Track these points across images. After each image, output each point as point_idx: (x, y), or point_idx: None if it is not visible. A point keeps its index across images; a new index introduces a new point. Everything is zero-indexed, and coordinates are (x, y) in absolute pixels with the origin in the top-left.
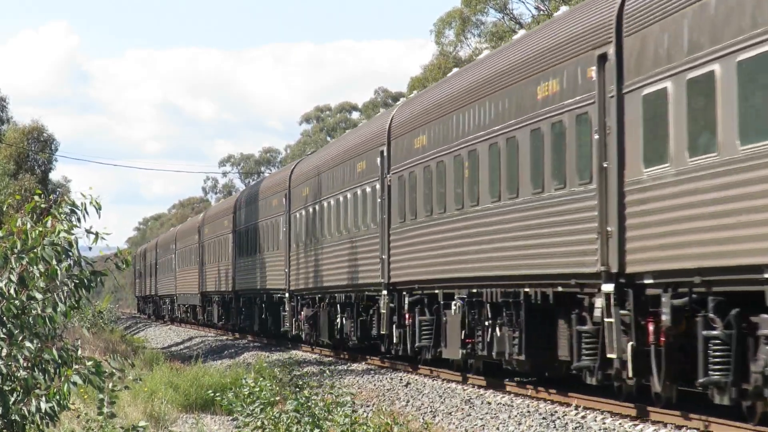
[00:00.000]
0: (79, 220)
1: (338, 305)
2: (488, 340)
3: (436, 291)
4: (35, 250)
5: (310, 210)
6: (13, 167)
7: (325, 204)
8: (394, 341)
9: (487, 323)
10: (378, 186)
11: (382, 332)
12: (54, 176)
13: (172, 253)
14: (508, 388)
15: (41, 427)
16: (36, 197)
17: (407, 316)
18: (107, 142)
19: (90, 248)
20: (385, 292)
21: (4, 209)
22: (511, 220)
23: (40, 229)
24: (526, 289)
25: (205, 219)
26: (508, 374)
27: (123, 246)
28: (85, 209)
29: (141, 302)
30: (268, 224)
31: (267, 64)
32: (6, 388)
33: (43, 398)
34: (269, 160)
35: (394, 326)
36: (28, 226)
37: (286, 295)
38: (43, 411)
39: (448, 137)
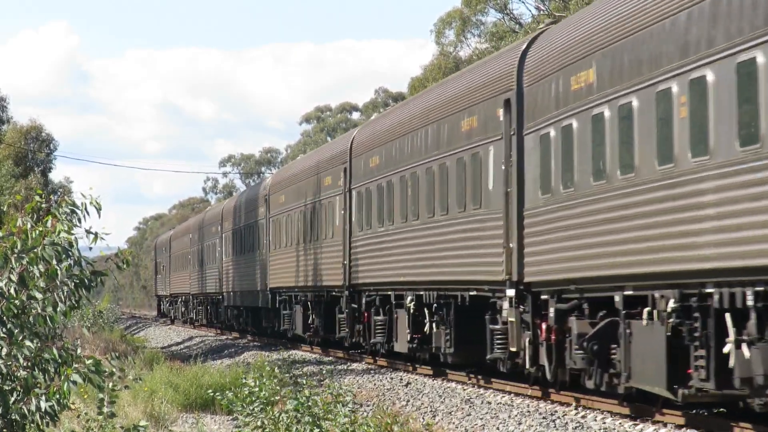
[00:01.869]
0: (79, 220)
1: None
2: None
3: None
4: (35, 250)
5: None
6: (20, 170)
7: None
8: None
9: None
10: None
11: None
12: (56, 177)
13: (216, 238)
14: (508, 388)
15: (41, 426)
16: (36, 197)
17: None
18: (107, 142)
19: (90, 248)
20: None
21: (5, 209)
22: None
23: (41, 229)
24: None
25: (276, 183)
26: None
27: (123, 246)
28: (85, 209)
29: (163, 303)
30: (438, 169)
31: (267, 64)
32: (6, 387)
33: (43, 397)
34: (270, 160)
35: None
36: (29, 226)
37: (511, 292)
38: (43, 410)
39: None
